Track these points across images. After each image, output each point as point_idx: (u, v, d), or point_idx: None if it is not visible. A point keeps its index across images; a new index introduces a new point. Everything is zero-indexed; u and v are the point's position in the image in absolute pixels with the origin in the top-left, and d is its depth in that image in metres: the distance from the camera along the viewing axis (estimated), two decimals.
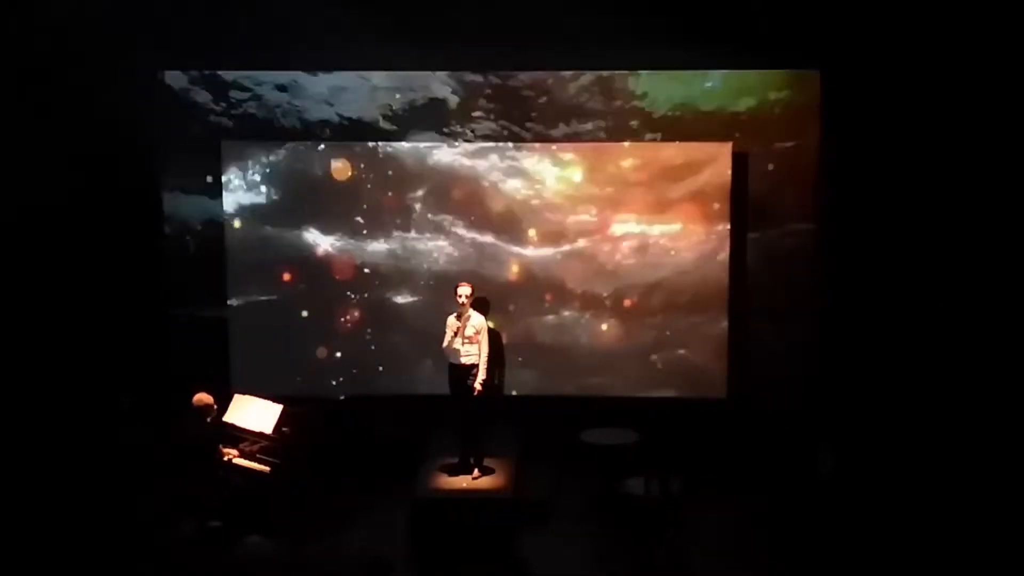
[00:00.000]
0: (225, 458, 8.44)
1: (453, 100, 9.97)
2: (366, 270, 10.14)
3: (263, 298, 10.21)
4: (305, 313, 10.19)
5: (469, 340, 8.90)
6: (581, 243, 9.98)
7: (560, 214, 9.95)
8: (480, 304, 9.32)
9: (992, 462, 8.25)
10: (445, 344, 8.94)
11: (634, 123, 9.86)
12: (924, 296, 8.97)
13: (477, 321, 8.96)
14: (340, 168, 10.05)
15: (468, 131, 9.99)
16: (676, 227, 9.89)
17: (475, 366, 8.91)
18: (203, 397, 8.30)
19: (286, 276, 10.18)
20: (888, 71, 9.01)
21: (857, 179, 9.19)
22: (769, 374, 9.90)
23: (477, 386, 8.84)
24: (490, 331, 9.17)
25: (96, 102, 9.35)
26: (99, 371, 9.41)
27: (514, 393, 10.04)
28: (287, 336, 10.21)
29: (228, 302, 10.19)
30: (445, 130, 9.99)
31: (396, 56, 9.50)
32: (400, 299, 10.16)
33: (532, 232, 9.99)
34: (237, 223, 10.12)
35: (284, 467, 8.41)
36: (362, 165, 10.03)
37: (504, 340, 9.88)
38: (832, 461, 8.55)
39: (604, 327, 10.04)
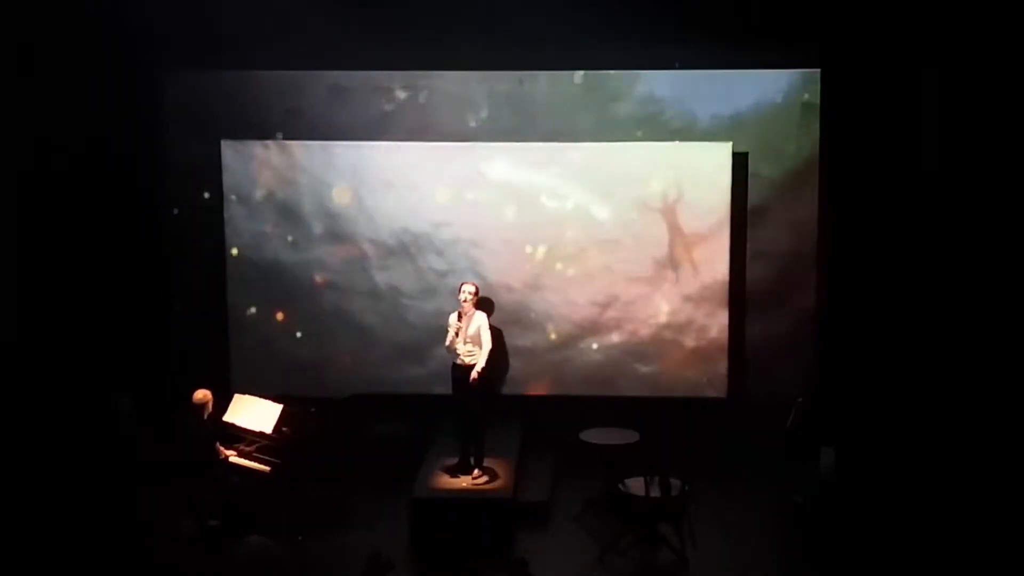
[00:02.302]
0: (224, 457, 8.44)
1: (457, 99, 9.98)
2: (366, 269, 10.15)
3: (263, 298, 10.22)
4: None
5: (472, 340, 8.90)
6: (579, 242, 9.99)
7: (556, 213, 9.94)
8: (484, 304, 9.33)
9: (993, 461, 8.23)
10: (447, 343, 8.94)
11: (634, 122, 9.88)
12: (925, 295, 8.95)
13: (479, 320, 8.97)
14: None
15: (467, 131, 10.01)
16: (676, 227, 9.89)
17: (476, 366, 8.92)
18: (200, 393, 8.30)
19: (286, 275, 10.20)
20: (889, 70, 9.00)
21: (857, 178, 9.17)
22: (769, 374, 9.90)
23: (474, 374, 8.77)
24: (492, 329, 9.17)
25: (97, 101, 9.35)
26: (99, 371, 9.40)
27: (514, 393, 10.04)
28: (287, 336, 10.21)
29: (229, 301, 10.21)
30: (446, 130, 10.00)
31: (396, 56, 9.50)
32: (401, 298, 10.16)
33: (529, 241, 10.01)
34: (238, 223, 10.13)
35: (284, 467, 8.41)
36: (365, 164, 10.03)
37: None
38: (832, 461, 8.54)
39: (603, 326, 10.04)
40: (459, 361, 8.94)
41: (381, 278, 10.13)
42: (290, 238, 10.13)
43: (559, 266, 10.00)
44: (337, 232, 10.10)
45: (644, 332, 10.01)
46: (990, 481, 8.12)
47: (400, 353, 10.16)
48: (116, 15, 8.72)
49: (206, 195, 10.14)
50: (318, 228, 10.11)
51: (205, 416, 8.29)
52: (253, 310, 10.21)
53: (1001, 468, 8.16)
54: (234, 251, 10.15)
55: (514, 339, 10.01)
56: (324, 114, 10.02)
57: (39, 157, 9.00)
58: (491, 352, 8.94)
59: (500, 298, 9.95)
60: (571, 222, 9.95)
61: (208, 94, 10.03)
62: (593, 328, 10.04)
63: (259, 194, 10.10)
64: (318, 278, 10.17)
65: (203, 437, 8.29)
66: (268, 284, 10.18)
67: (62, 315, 9.34)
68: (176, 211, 10.19)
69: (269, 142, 10.05)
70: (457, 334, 8.86)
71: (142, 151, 9.86)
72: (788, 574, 8.06)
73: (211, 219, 10.15)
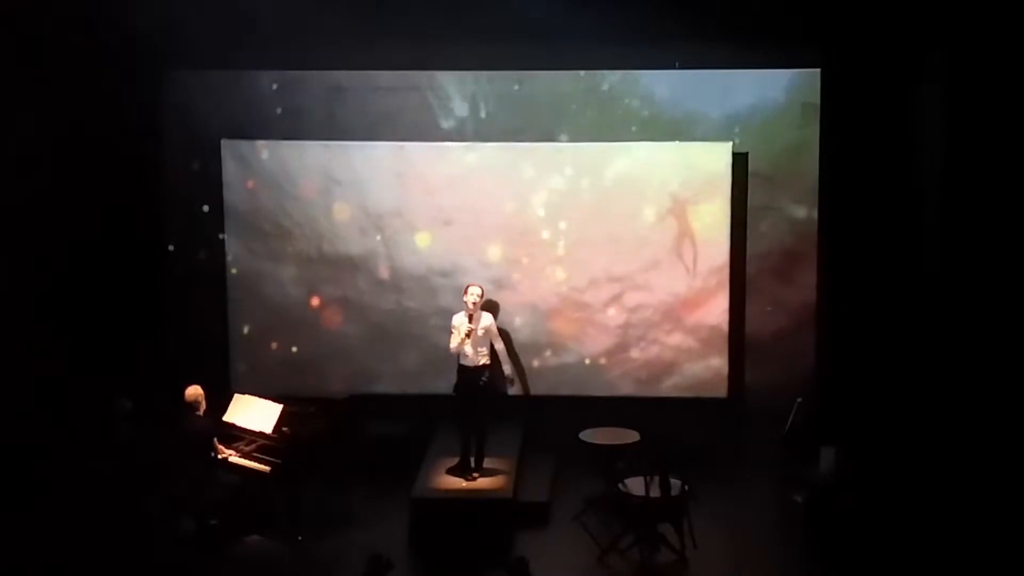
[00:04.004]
0: (224, 456, 8.44)
1: (456, 99, 9.98)
2: (367, 269, 10.14)
3: (264, 298, 10.22)
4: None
5: (479, 341, 8.89)
6: (578, 243, 9.98)
7: (556, 213, 9.93)
8: (490, 307, 9.33)
9: (993, 461, 8.24)
10: (454, 345, 8.89)
11: (634, 122, 9.87)
12: (925, 295, 8.96)
13: (486, 321, 8.97)
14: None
15: (468, 131, 10.00)
16: (676, 227, 9.89)
17: (485, 367, 8.93)
18: (192, 390, 8.28)
19: (286, 274, 10.20)
20: (889, 70, 9.00)
21: (857, 178, 9.18)
22: (769, 374, 9.90)
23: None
24: (499, 329, 9.20)
25: (98, 101, 9.35)
26: (99, 372, 9.41)
27: (515, 393, 10.03)
28: (288, 337, 10.21)
29: (228, 300, 10.20)
30: (446, 130, 9.99)
31: (396, 56, 9.49)
32: (402, 298, 10.15)
33: (529, 243, 9.98)
34: (237, 223, 10.13)
35: (284, 467, 8.41)
36: (364, 165, 10.02)
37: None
38: (832, 461, 8.55)
39: (603, 327, 10.03)
40: (466, 363, 8.93)
41: (382, 275, 10.11)
42: (289, 249, 10.12)
43: (556, 271, 9.98)
44: (337, 228, 10.09)
45: (644, 331, 10.00)
46: (990, 480, 8.12)
47: (400, 352, 10.15)
48: (116, 15, 8.72)
49: (205, 208, 10.12)
50: (317, 232, 10.09)
51: (200, 412, 8.28)
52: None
53: (1000, 467, 8.16)
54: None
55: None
56: (323, 115, 10.01)
57: (38, 158, 8.99)
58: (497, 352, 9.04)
59: (500, 299, 9.93)
60: (570, 223, 9.93)
61: (208, 94, 10.01)
62: (593, 329, 10.03)
63: (259, 195, 10.09)
64: (317, 276, 10.16)
65: (199, 434, 8.27)
66: (269, 280, 10.18)
67: (62, 316, 9.34)
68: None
69: (269, 142, 10.03)
70: (468, 335, 8.83)
71: (142, 151, 9.85)
72: (788, 574, 8.06)
73: (211, 221, 10.14)
